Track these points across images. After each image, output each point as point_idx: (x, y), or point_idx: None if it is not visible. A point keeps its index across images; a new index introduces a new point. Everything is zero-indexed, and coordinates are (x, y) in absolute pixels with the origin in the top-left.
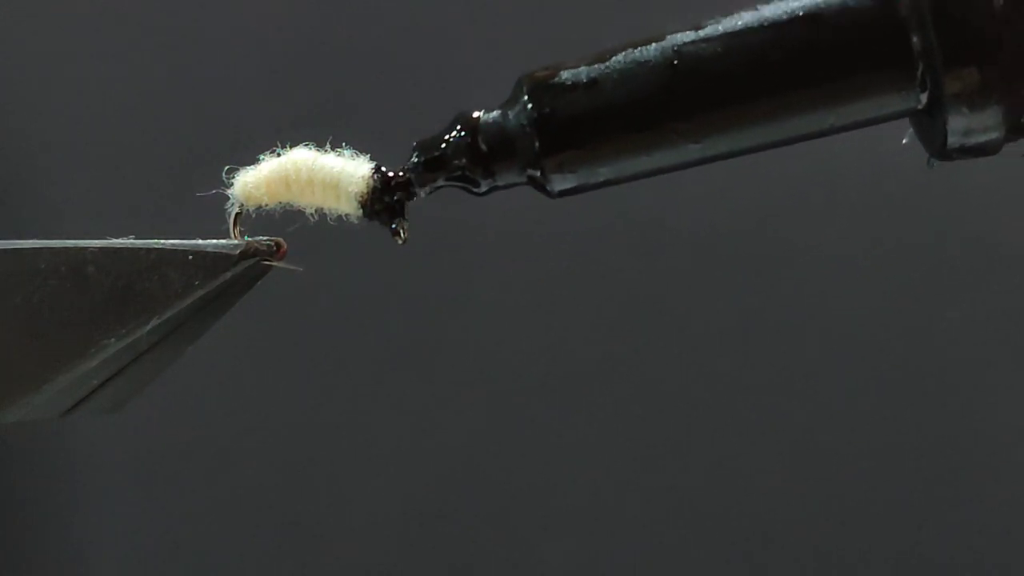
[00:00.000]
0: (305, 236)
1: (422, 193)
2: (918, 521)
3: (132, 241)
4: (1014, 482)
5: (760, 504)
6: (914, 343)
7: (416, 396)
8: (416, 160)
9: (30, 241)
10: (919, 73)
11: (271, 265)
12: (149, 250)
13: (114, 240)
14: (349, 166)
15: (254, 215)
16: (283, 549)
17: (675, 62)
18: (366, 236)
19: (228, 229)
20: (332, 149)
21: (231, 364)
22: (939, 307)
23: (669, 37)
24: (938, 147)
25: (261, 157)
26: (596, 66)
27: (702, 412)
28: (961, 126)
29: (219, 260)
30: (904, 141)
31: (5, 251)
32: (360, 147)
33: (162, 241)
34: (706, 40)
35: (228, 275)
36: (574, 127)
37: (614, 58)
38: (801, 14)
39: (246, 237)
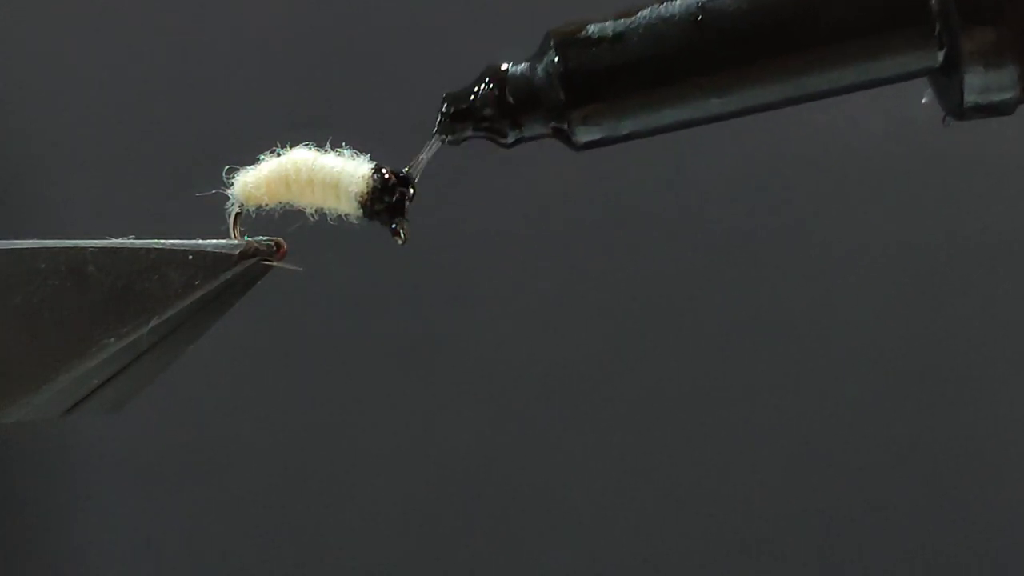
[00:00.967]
0: (305, 236)
1: (449, 142)
2: (918, 522)
3: (132, 241)
4: (1015, 482)
5: (761, 505)
6: (914, 343)
7: (416, 396)
8: (445, 111)
9: (30, 241)
10: (937, 32)
11: (271, 265)
12: (149, 250)
13: (114, 240)
14: (349, 166)
15: (254, 215)
16: (283, 549)
17: (699, 18)
18: (366, 236)
19: (228, 229)
20: (332, 149)
21: (231, 364)
22: (940, 306)
23: None
24: (955, 106)
25: (261, 157)
26: (622, 21)
27: (702, 412)
28: (978, 84)
29: (219, 260)
30: (924, 100)
31: (5, 251)
32: (360, 147)
33: (162, 241)
34: None
35: (228, 275)
36: (599, 81)
37: (640, 13)
38: None
39: (246, 237)
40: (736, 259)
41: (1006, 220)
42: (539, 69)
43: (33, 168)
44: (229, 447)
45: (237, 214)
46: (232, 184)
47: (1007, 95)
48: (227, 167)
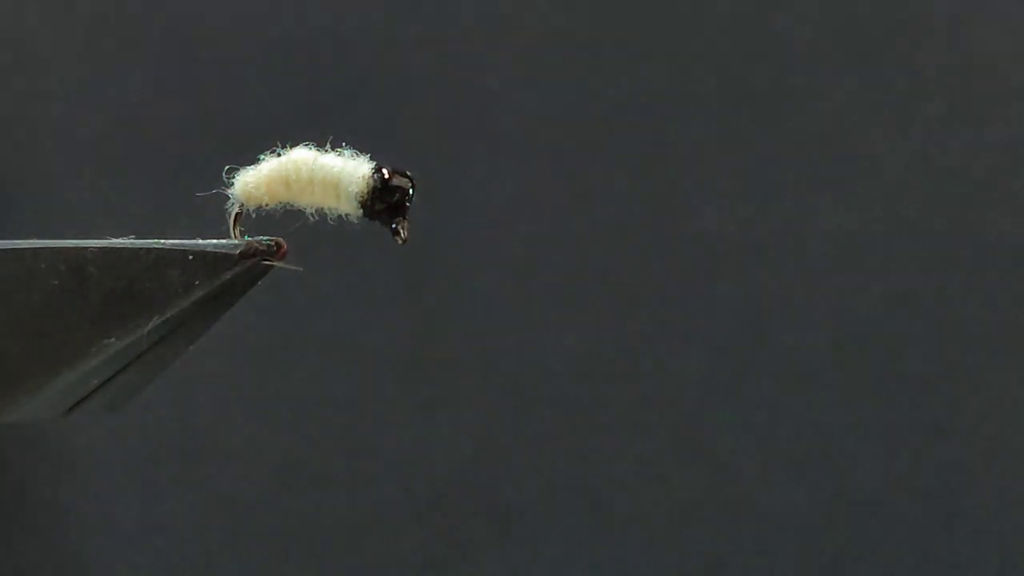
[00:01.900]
0: (305, 236)
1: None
2: (920, 521)
3: (132, 241)
4: (1016, 482)
5: (761, 504)
6: (915, 342)
7: (417, 396)
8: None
9: (30, 241)
10: None
11: (271, 265)
12: (149, 250)
13: (114, 240)
14: (349, 166)
15: (254, 215)
16: (283, 549)
17: None
18: (366, 236)
19: (228, 229)
20: (332, 149)
21: (231, 364)
22: (941, 306)
23: None
24: None
25: (261, 157)
26: None
27: (703, 412)
28: None
29: (219, 260)
30: None
31: (5, 251)
32: (360, 147)
33: (162, 241)
34: None
35: (228, 275)
36: None
37: None
38: None
39: (246, 237)
40: (736, 260)
41: (1007, 218)
42: None
43: (33, 168)
44: (229, 447)
45: (237, 214)
46: (232, 184)
47: None
48: (227, 167)
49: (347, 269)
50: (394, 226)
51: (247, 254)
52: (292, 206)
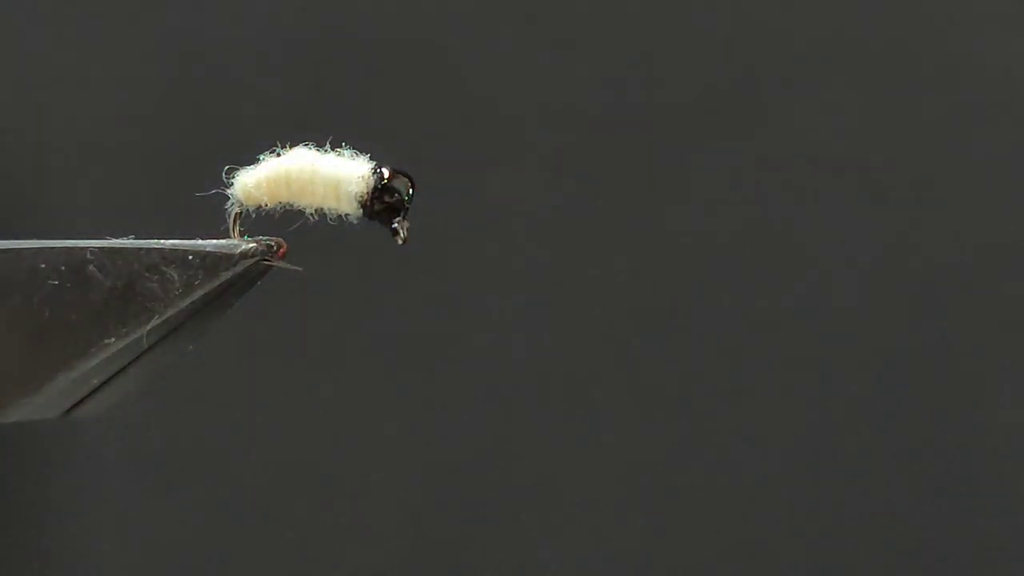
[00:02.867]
0: (305, 236)
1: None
2: (920, 523)
3: (132, 241)
4: (1017, 483)
5: (761, 505)
6: (914, 343)
7: (417, 396)
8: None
9: (30, 241)
10: None
11: (271, 265)
12: (149, 250)
13: (114, 240)
14: (349, 166)
15: (254, 215)
16: (283, 549)
17: None
18: (366, 236)
19: (228, 229)
20: (332, 149)
21: (231, 364)
22: (941, 307)
23: None
24: None
25: (261, 157)
26: None
27: (704, 412)
28: None
29: (219, 260)
30: None
31: (5, 251)
32: (360, 147)
33: (162, 241)
34: None
35: (228, 275)
36: None
37: None
38: None
39: (246, 237)
40: (736, 259)
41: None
42: None
43: (33, 168)
44: (229, 447)
45: (237, 214)
46: (232, 184)
47: None
48: (227, 167)
49: (347, 269)
50: (394, 226)
51: (247, 254)
52: (292, 206)
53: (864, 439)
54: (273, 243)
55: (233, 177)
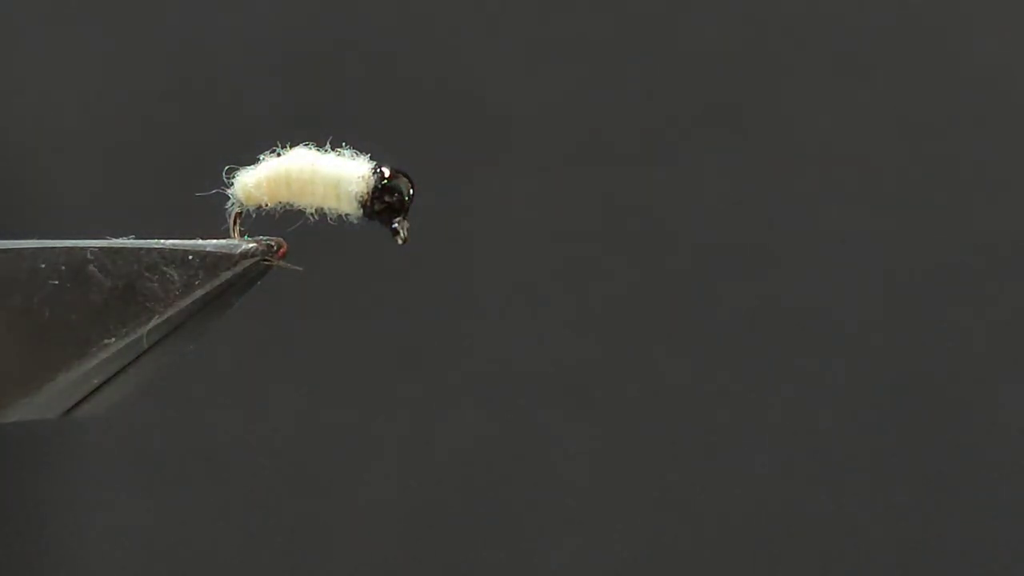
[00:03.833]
0: (305, 236)
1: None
2: (920, 523)
3: (132, 241)
4: (1017, 483)
5: (762, 505)
6: (914, 343)
7: (417, 396)
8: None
9: (30, 241)
10: None
11: (271, 265)
12: (149, 250)
13: (114, 240)
14: (349, 166)
15: (254, 215)
16: (284, 549)
17: None
18: (366, 236)
19: (228, 229)
20: (332, 149)
21: (231, 364)
22: (941, 307)
23: None
24: None
25: (261, 157)
26: None
27: (704, 412)
28: None
29: (219, 260)
30: None
31: (5, 251)
32: (360, 147)
33: (162, 241)
34: None
35: (228, 275)
36: None
37: None
38: None
39: (246, 237)
40: (735, 260)
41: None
42: None
43: (33, 168)
44: (229, 447)
45: (237, 214)
46: (232, 184)
47: None
48: (227, 167)
49: (347, 269)
50: (394, 226)
51: (247, 254)
52: (292, 206)
53: (864, 439)
54: (273, 243)
55: (233, 177)
